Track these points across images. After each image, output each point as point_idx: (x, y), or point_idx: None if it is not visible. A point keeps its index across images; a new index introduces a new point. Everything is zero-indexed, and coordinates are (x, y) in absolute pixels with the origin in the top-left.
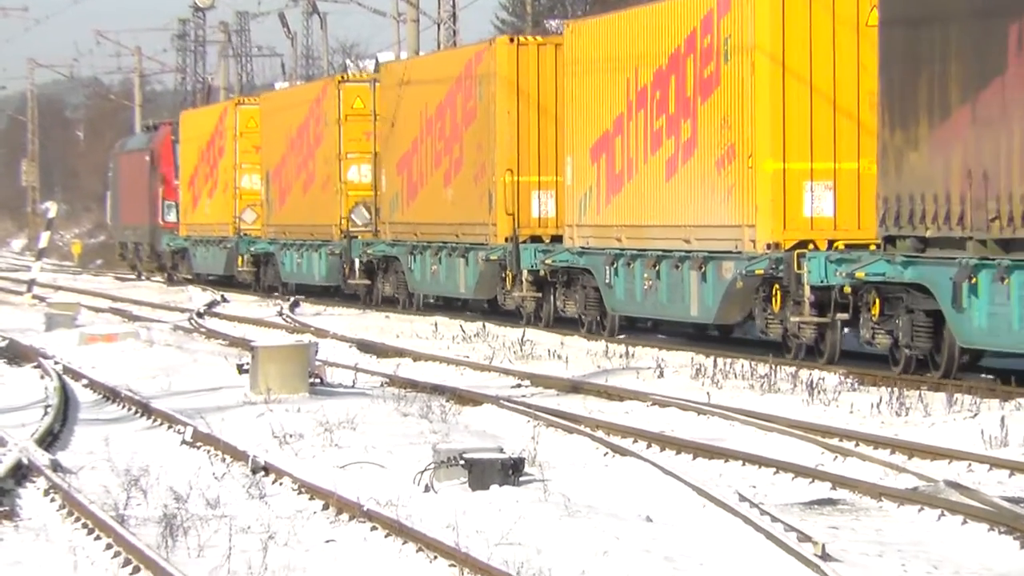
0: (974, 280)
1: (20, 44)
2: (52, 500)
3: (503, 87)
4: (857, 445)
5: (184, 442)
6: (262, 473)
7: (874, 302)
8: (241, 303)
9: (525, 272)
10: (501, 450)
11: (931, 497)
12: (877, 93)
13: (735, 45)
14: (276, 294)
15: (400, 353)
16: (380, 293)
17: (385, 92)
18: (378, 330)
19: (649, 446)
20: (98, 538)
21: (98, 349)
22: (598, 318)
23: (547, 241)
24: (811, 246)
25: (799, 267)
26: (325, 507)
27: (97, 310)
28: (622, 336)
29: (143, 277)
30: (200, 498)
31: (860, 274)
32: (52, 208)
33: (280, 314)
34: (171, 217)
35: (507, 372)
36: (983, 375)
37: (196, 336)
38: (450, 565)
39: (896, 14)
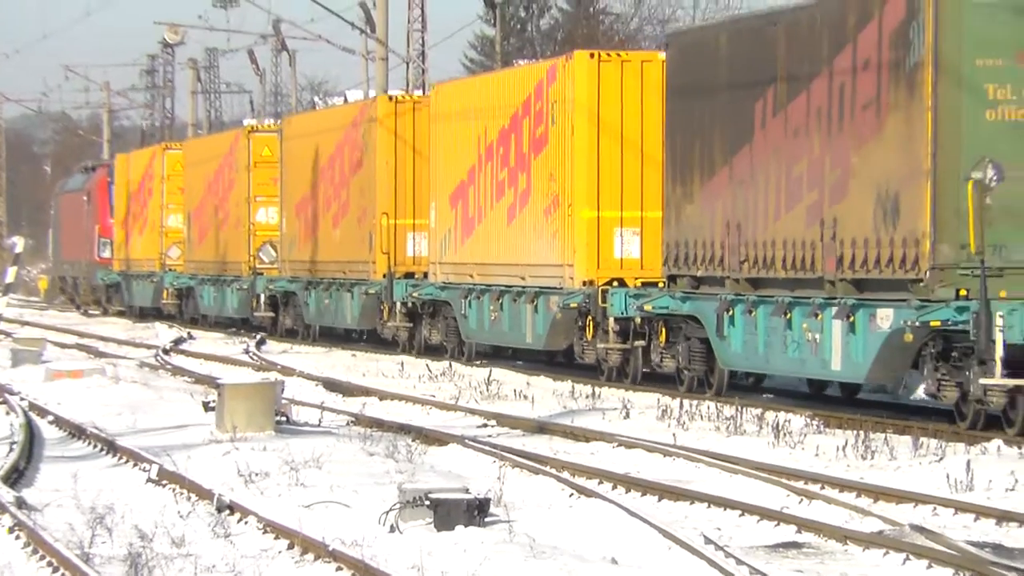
0: (731, 312)
1: None
2: (17, 538)
3: (383, 139)
4: (823, 488)
5: (150, 480)
6: (227, 512)
7: (661, 331)
8: (207, 340)
9: (398, 304)
10: (467, 490)
11: (896, 541)
12: (663, 154)
13: (559, 110)
14: (233, 330)
15: (366, 392)
16: (283, 325)
17: (287, 142)
18: (344, 368)
19: (615, 487)
20: None
21: (64, 385)
22: (458, 345)
23: (419, 277)
24: (615, 283)
25: (604, 301)
26: (290, 546)
27: (63, 346)
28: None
29: (81, 309)
30: (165, 536)
31: (648, 307)
32: (19, 243)
33: (246, 352)
34: (106, 253)
35: (473, 412)
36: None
37: (162, 373)
38: None
39: (676, 87)
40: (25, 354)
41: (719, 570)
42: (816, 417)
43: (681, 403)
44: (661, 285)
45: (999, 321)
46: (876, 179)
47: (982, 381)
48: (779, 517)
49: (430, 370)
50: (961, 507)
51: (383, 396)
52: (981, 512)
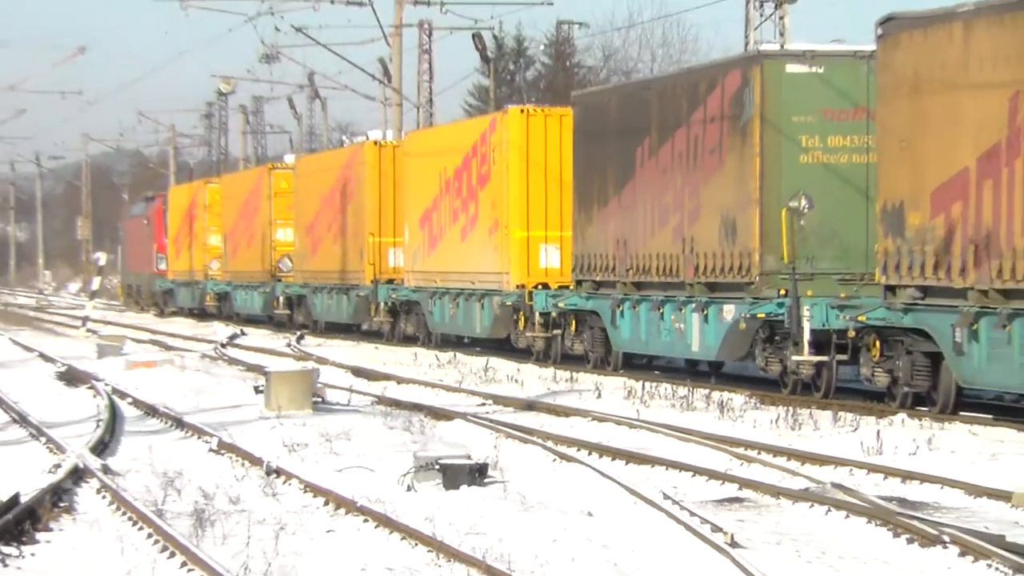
0: (621, 308)
1: (76, 122)
2: (103, 497)
3: (369, 176)
4: (759, 453)
5: (211, 450)
6: (274, 475)
7: (572, 322)
8: (256, 336)
9: (382, 304)
10: (469, 457)
11: (820, 496)
12: (572, 185)
13: (498, 153)
14: (288, 330)
15: (387, 377)
16: (297, 320)
17: (299, 178)
18: (369, 359)
19: (590, 454)
20: (141, 528)
21: (140, 373)
22: (426, 335)
23: (398, 282)
24: (540, 287)
25: (530, 300)
26: (326, 503)
27: (139, 341)
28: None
29: (144, 310)
30: (224, 496)
31: (561, 304)
32: (102, 257)
33: (288, 345)
34: (162, 266)
35: (474, 393)
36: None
37: (220, 363)
38: (428, 550)
39: (580, 135)
40: (108, 348)
41: (675, 520)
42: (753, 396)
43: (643, 385)
44: (571, 287)
45: (806, 313)
46: (720, 207)
47: (795, 358)
48: (724, 477)
49: (438, 359)
50: (873, 468)
51: (400, 380)
52: (889, 472)
